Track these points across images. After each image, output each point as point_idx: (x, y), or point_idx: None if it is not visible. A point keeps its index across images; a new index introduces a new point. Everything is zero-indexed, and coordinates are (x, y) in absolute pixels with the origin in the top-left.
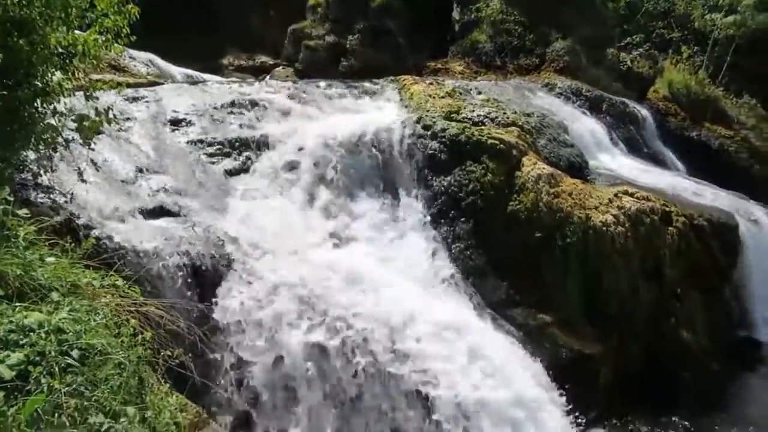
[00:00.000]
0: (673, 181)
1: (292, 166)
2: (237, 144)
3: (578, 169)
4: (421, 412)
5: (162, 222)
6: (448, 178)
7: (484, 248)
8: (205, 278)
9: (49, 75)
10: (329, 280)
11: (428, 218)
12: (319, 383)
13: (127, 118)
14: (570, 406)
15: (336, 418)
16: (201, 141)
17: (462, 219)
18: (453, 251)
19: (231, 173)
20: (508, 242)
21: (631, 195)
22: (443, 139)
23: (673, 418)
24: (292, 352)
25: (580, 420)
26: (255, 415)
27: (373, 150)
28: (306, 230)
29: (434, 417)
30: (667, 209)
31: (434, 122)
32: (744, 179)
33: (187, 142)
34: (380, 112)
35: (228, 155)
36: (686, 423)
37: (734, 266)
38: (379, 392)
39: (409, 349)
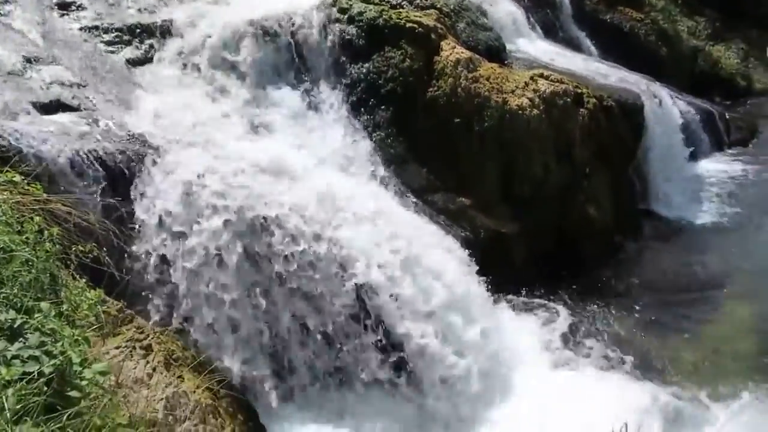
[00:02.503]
0: (586, 64)
1: (201, 55)
2: (138, 31)
3: (496, 53)
4: (346, 291)
5: (61, 117)
6: (367, 65)
7: (404, 136)
8: (116, 174)
9: None
10: (248, 171)
11: (348, 107)
12: (242, 270)
13: (6, 1)
14: (486, 279)
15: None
16: (96, 27)
17: (382, 107)
18: (374, 139)
19: (134, 63)
20: (428, 129)
21: (546, 78)
22: (361, 24)
23: (575, 286)
24: (213, 242)
25: (494, 290)
26: (177, 309)
27: (288, 36)
28: (220, 122)
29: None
30: (579, 91)
31: (351, 5)
32: (652, 61)
33: (81, 29)
34: None
35: (129, 43)
36: (590, 289)
37: (638, 145)
38: (302, 275)
39: (332, 233)
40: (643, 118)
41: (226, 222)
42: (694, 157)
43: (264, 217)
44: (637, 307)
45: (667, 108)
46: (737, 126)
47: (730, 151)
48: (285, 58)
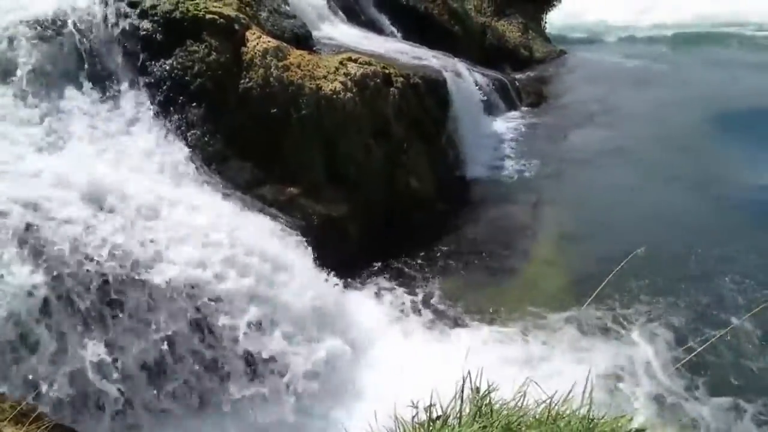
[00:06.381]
0: (390, 45)
1: None
2: None
3: (303, 40)
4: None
5: None
6: (170, 61)
7: (221, 132)
8: None
9: None
10: (48, 191)
11: (156, 107)
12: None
13: None
14: (322, 262)
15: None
16: None
17: (193, 104)
18: (189, 139)
19: None
20: (245, 122)
21: (355, 61)
22: (155, 17)
23: (408, 258)
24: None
25: (332, 273)
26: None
27: (75, 35)
28: (3, 138)
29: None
30: (387, 71)
31: None
32: (448, 38)
33: None
34: None
35: None
36: (421, 257)
37: (446, 117)
38: (136, 299)
39: (159, 244)
40: (447, 91)
41: (32, 258)
42: (494, 123)
43: (75, 240)
44: (463, 265)
45: (466, 80)
46: (527, 92)
47: (524, 115)
48: (72, 61)
